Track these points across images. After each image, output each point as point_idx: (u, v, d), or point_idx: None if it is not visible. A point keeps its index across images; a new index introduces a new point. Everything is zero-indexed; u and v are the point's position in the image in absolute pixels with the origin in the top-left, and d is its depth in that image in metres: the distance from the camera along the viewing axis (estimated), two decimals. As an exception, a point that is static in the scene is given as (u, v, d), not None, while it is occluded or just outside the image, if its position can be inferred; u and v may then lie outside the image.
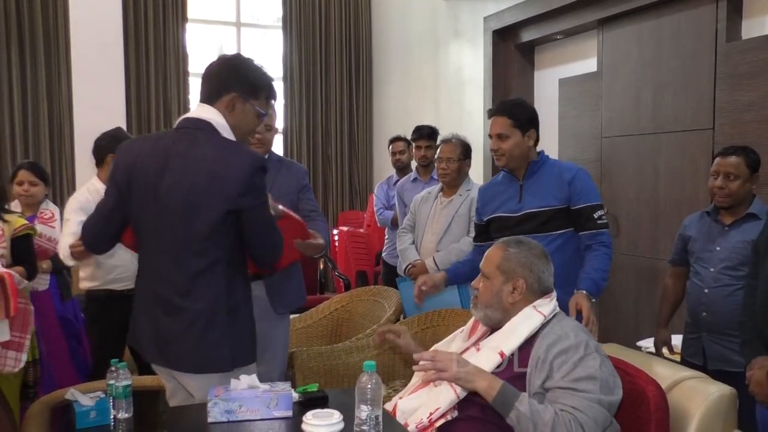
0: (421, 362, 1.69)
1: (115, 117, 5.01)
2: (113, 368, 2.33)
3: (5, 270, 2.59)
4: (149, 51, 6.88)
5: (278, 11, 7.67)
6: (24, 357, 2.68)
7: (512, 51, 5.18)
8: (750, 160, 2.68)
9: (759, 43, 3.39)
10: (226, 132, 1.89)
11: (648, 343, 3.19)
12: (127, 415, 2.29)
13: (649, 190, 4.04)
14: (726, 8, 3.56)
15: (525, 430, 1.58)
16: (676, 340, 3.03)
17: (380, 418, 1.52)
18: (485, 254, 1.88)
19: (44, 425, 2.37)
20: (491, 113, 2.61)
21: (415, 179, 4.23)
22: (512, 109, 2.54)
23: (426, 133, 4.16)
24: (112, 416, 2.28)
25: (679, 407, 1.76)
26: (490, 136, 2.60)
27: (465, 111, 5.71)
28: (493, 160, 3.00)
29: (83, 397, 2.49)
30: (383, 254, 4.39)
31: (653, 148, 4.00)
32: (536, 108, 5.10)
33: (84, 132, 4.95)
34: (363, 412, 1.50)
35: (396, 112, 7.23)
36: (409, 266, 3.41)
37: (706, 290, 2.72)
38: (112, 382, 2.35)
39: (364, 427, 1.50)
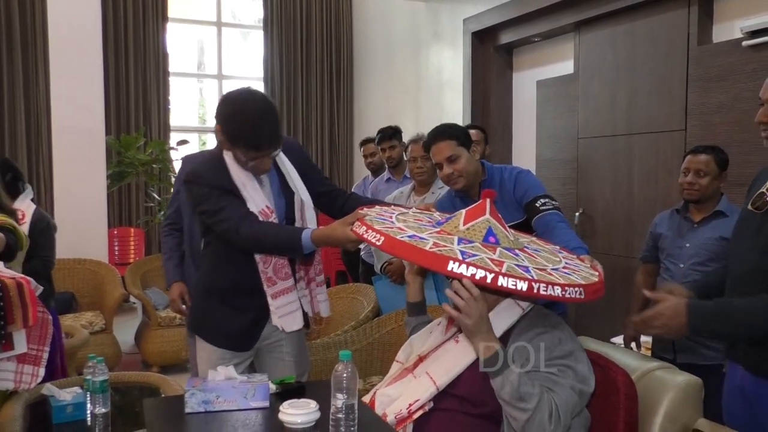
0: (453, 291, 1.60)
1: (94, 115, 4.97)
2: (90, 363, 2.33)
3: (21, 275, 2.37)
4: (129, 50, 6.85)
5: (259, 12, 7.68)
6: (42, 372, 2.43)
7: (491, 53, 5.24)
8: (719, 159, 2.76)
9: (729, 46, 3.48)
10: None
11: (618, 340, 3.24)
12: (104, 410, 2.28)
13: (624, 189, 4.11)
14: (698, 13, 3.65)
15: (507, 397, 1.57)
16: (647, 336, 3.09)
17: (356, 407, 1.54)
18: None
19: (20, 420, 2.35)
20: (428, 144, 2.49)
21: (388, 179, 4.25)
22: (449, 131, 2.46)
23: (388, 135, 4.17)
24: (88, 411, 2.29)
25: (648, 396, 1.80)
26: (438, 167, 2.48)
27: (445, 112, 5.75)
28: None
29: (60, 392, 2.49)
30: (361, 253, 4.41)
31: (627, 149, 4.08)
32: (514, 109, 5.24)
33: (62, 129, 4.91)
34: (339, 400, 1.52)
35: (377, 114, 7.26)
36: (386, 264, 3.42)
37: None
38: (89, 377, 2.35)
39: (340, 415, 1.52)
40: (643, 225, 3.93)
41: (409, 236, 1.67)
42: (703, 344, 2.73)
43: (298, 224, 2.17)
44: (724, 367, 2.54)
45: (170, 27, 7.17)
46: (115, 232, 6.63)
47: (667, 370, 1.87)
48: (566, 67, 4.61)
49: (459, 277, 1.53)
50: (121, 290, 4.56)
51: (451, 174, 2.44)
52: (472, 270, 1.52)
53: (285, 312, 2.13)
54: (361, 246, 4.36)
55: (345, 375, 1.52)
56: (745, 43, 3.34)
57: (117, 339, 4.54)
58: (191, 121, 8.04)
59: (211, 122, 8.38)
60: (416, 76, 6.26)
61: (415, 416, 1.74)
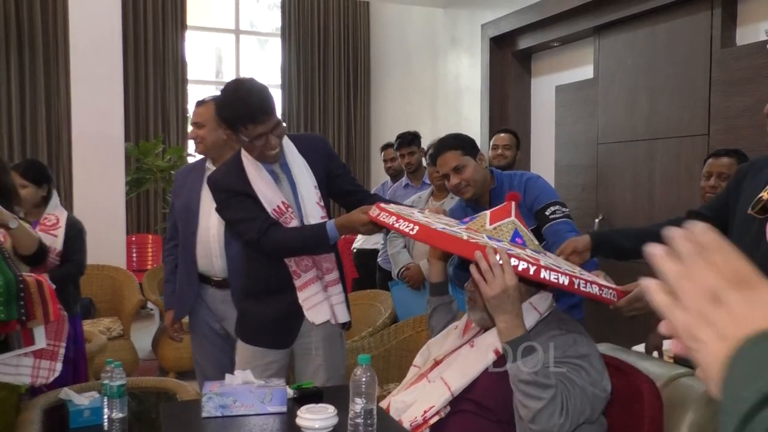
0: (482, 256, 1.53)
1: (113, 121, 5.02)
2: (108, 368, 2.34)
3: (37, 275, 2.44)
4: (148, 57, 6.93)
5: (277, 20, 7.72)
6: (59, 366, 2.50)
7: (509, 58, 5.21)
8: (741, 162, 2.72)
9: (753, 49, 3.42)
10: None
11: (640, 349, 3.19)
12: (121, 415, 2.30)
13: (645, 195, 4.05)
14: (721, 15, 3.59)
15: (524, 384, 1.52)
16: (669, 344, 3.03)
17: (374, 412, 1.52)
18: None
19: (37, 424, 2.35)
20: (434, 156, 2.51)
21: (407, 185, 4.24)
22: (453, 141, 2.49)
23: (407, 141, 4.17)
24: (106, 415, 2.29)
25: (673, 405, 1.75)
26: (446, 178, 2.50)
27: (463, 118, 5.73)
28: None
29: (77, 397, 2.49)
30: (379, 260, 4.39)
31: (649, 154, 4.02)
32: (533, 115, 5.20)
33: (82, 135, 4.97)
34: (357, 405, 1.50)
35: (394, 120, 7.26)
36: (403, 269, 3.41)
37: None
38: (106, 381, 2.36)
39: (358, 420, 1.50)
40: (665, 231, 3.88)
41: (440, 228, 1.66)
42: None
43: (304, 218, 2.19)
44: None
45: (189, 35, 7.23)
46: (133, 239, 6.67)
47: (693, 378, 1.83)
48: (585, 72, 4.57)
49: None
50: (139, 296, 4.57)
51: (458, 184, 2.45)
52: (514, 261, 1.50)
53: (311, 304, 2.17)
54: (380, 252, 4.35)
55: (364, 379, 1.51)
56: (769, 45, 3.28)
57: (134, 345, 4.55)
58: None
59: None
60: (433, 82, 6.25)
61: (431, 422, 1.71)
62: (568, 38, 4.68)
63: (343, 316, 2.23)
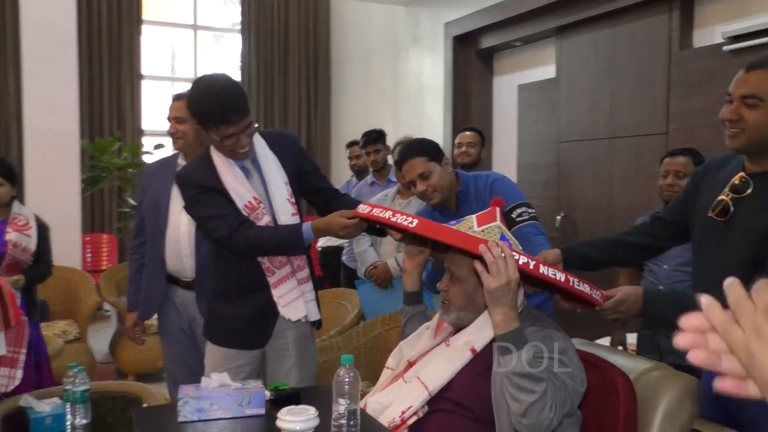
0: (487, 249, 1.52)
1: (68, 117, 4.87)
2: (70, 373, 2.27)
3: None
4: (102, 52, 6.73)
5: (234, 15, 7.61)
6: (19, 374, 2.44)
7: (472, 57, 5.26)
8: (696, 160, 2.81)
9: (710, 51, 3.53)
10: None
11: (605, 343, 3.26)
12: (84, 421, 2.23)
13: (605, 193, 4.14)
14: (679, 18, 3.70)
15: (517, 377, 1.52)
16: (632, 338, 3.11)
17: (358, 413, 1.51)
18: (453, 254, 1.87)
19: (-3, 433, 2.27)
20: (399, 163, 2.50)
21: (372, 183, 4.23)
22: (418, 147, 2.47)
23: (373, 138, 4.16)
24: (68, 422, 2.22)
25: (645, 397, 1.79)
26: (412, 184, 2.47)
27: (425, 116, 5.76)
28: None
29: (38, 403, 2.41)
30: (343, 258, 4.38)
31: (609, 153, 4.11)
32: (495, 113, 5.26)
33: (34, 131, 4.80)
34: (341, 405, 1.49)
35: (355, 118, 7.24)
36: (370, 267, 3.40)
37: (661, 287, 2.80)
38: (69, 387, 2.29)
39: (342, 421, 1.49)
40: (624, 228, 3.95)
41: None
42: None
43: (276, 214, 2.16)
44: None
45: (145, 29, 7.06)
46: (87, 238, 6.48)
47: (664, 371, 1.87)
48: (548, 71, 4.64)
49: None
50: (96, 298, 4.45)
51: (425, 190, 2.44)
52: (514, 255, 1.52)
53: (287, 300, 2.13)
54: (344, 250, 4.34)
55: (347, 380, 1.50)
56: (726, 47, 3.39)
57: (91, 348, 4.43)
58: (163, 125, 7.91)
59: None
60: (395, 80, 6.26)
61: (409, 422, 1.71)
62: (531, 38, 4.75)
63: (314, 314, 2.21)
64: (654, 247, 2.05)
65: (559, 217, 4.40)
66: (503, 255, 1.52)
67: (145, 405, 2.60)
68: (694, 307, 1.67)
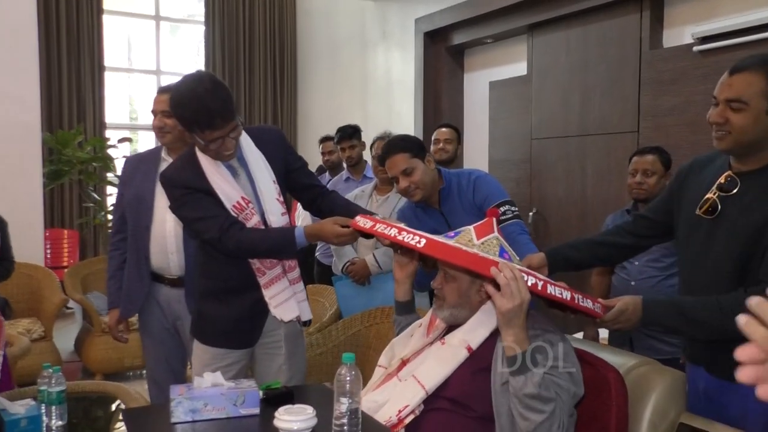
0: (499, 270, 1.52)
1: (29, 110, 4.71)
2: (45, 373, 2.20)
3: None
4: (61, 42, 6.54)
5: (198, 6, 7.47)
6: None
7: (443, 53, 5.26)
8: (664, 159, 2.88)
9: (679, 51, 3.60)
10: None
11: (578, 338, 3.31)
12: (61, 423, 2.17)
13: (577, 190, 4.20)
14: (649, 18, 3.76)
15: (528, 398, 1.52)
16: (604, 333, 3.16)
17: (359, 412, 1.50)
18: None
19: (-31, 437, 2.18)
20: (383, 158, 2.50)
21: (347, 179, 4.20)
22: (402, 144, 2.48)
23: (348, 134, 4.13)
24: (44, 424, 2.15)
25: (635, 392, 1.82)
26: (395, 180, 2.49)
27: (393, 112, 5.75)
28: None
29: (11, 405, 2.32)
30: (317, 254, 4.35)
31: (581, 150, 4.17)
32: (465, 110, 5.28)
33: (-5, 124, 4.63)
34: (342, 404, 1.47)
35: (322, 113, 7.19)
36: (348, 264, 3.37)
37: (632, 282, 2.86)
38: (44, 387, 2.22)
39: (344, 420, 1.47)
40: (596, 224, 4.03)
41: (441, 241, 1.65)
42: (659, 339, 2.82)
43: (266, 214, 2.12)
44: (681, 359, 2.65)
45: (105, 19, 6.88)
46: (47, 234, 6.29)
47: (651, 366, 1.90)
48: (519, 68, 4.67)
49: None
50: (62, 295, 4.33)
51: (408, 187, 2.44)
52: (518, 272, 1.53)
53: (279, 301, 2.10)
54: (318, 247, 4.30)
55: (348, 378, 1.48)
56: (696, 48, 3.47)
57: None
58: (123, 118, 7.73)
59: (142, 120, 8.09)
60: (363, 75, 6.23)
61: (406, 421, 1.70)
62: (502, 35, 4.78)
63: (306, 314, 2.19)
64: (636, 246, 2.08)
65: (531, 214, 4.45)
66: (515, 277, 1.52)
67: (121, 405, 2.54)
68: (692, 311, 1.70)
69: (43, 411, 2.17)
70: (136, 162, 2.68)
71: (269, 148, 2.14)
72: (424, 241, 1.61)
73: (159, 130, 2.55)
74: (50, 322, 4.26)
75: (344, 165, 4.27)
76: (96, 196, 5.80)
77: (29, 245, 4.67)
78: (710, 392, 1.83)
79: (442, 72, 5.28)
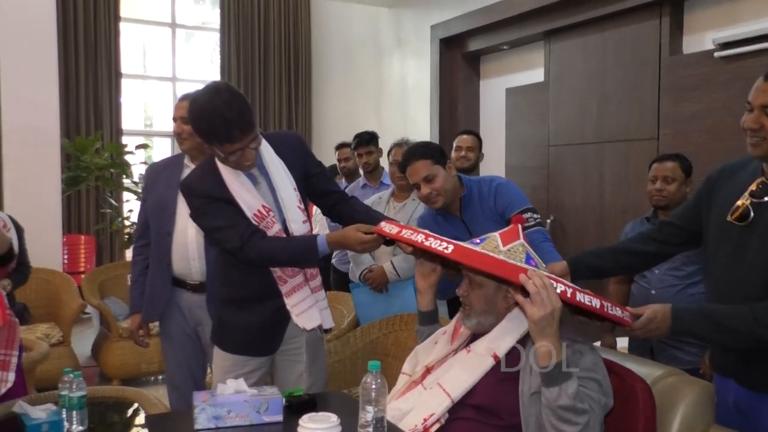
0: (528, 278, 1.50)
1: (48, 115, 4.74)
2: (66, 378, 2.20)
3: None
4: (79, 49, 6.59)
5: (215, 14, 7.51)
6: (11, 377, 2.35)
7: (459, 60, 5.25)
8: (684, 165, 2.84)
9: (700, 57, 3.57)
10: None
11: (599, 345, 3.27)
12: (81, 428, 2.18)
13: (595, 197, 4.16)
14: (669, 24, 3.73)
15: (561, 409, 1.50)
16: (623, 342, 3.12)
17: (385, 421, 1.48)
18: None
19: (-10, 442, 2.19)
20: (404, 165, 2.47)
21: (364, 185, 4.19)
22: (423, 150, 2.47)
23: (365, 140, 4.12)
24: (65, 429, 2.16)
25: (662, 403, 1.79)
26: (416, 187, 2.47)
27: (409, 118, 5.74)
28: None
29: (33, 410, 2.32)
30: (333, 260, 4.33)
31: (599, 157, 4.13)
32: (482, 117, 5.26)
33: (13, 129, 4.66)
34: (368, 413, 1.45)
35: (337, 119, 7.19)
36: (365, 271, 3.36)
37: (653, 291, 2.82)
38: (65, 392, 2.23)
39: (369, 429, 1.45)
40: (614, 232, 3.99)
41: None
42: (679, 348, 2.78)
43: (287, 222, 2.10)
44: (701, 369, 2.61)
45: (123, 27, 6.93)
46: (65, 240, 6.33)
47: (679, 377, 1.87)
48: (536, 75, 4.65)
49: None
50: (80, 300, 4.34)
51: (429, 194, 2.43)
52: (548, 280, 1.51)
53: (301, 309, 2.08)
54: (334, 253, 4.29)
55: (374, 386, 1.46)
56: (717, 54, 3.43)
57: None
58: (138, 125, 7.78)
59: (157, 126, 8.10)
60: (378, 81, 6.22)
61: (432, 430, 1.68)
62: (518, 42, 4.76)
63: (328, 322, 2.17)
64: (660, 253, 2.05)
65: (548, 221, 4.41)
66: (544, 284, 1.49)
67: (139, 411, 2.53)
68: (724, 319, 1.67)
69: (64, 416, 2.18)
70: (159, 169, 2.69)
71: (289, 154, 2.12)
72: (451, 247, 1.59)
73: (178, 136, 2.56)
74: (68, 328, 4.27)
75: (360, 172, 4.26)
76: (113, 202, 5.83)
77: (47, 251, 4.70)
78: (741, 404, 1.80)
79: (458, 78, 5.27)
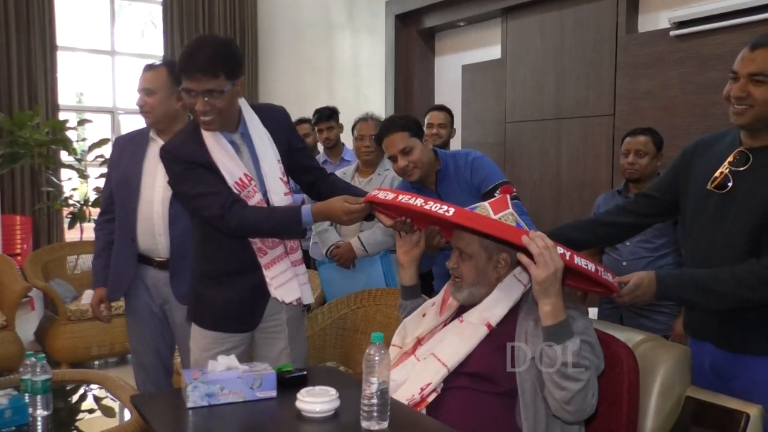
0: (531, 239, 1.50)
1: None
2: (28, 361, 2.12)
3: None
4: (9, 20, 6.23)
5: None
6: None
7: (414, 36, 5.23)
8: (656, 140, 2.93)
9: (655, 36, 3.67)
10: None
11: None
12: (46, 412, 2.12)
13: (552, 172, 4.25)
14: (625, 3, 3.82)
15: (565, 367, 1.52)
16: (592, 312, 3.21)
17: (388, 392, 1.47)
18: (460, 233, 1.85)
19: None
20: (380, 137, 2.48)
21: (325, 161, 4.14)
22: (401, 122, 2.47)
23: (326, 115, 4.08)
24: (30, 414, 2.08)
25: (643, 367, 1.85)
26: (392, 159, 2.48)
27: (362, 95, 5.70)
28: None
29: (-6, 396, 2.22)
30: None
31: (556, 133, 4.21)
32: (436, 93, 5.27)
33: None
34: (372, 385, 1.44)
35: (286, 98, 7.04)
36: (332, 248, 3.33)
37: (624, 263, 2.90)
38: (27, 377, 2.15)
39: (373, 401, 1.44)
40: (570, 207, 4.09)
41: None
42: (647, 317, 2.88)
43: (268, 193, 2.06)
44: (670, 337, 2.72)
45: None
46: (-1, 221, 6.02)
47: (657, 342, 1.93)
48: (492, 52, 4.69)
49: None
50: (23, 283, 4.15)
51: (406, 166, 2.44)
52: (550, 241, 1.52)
53: (281, 282, 2.04)
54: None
55: (377, 358, 1.45)
56: (672, 33, 3.53)
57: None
58: (72, 100, 7.42)
59: (94, 101, 7.67)
60: (330, 59, 6.14)
61: (429, 399, 1.69)
62: (475, 18, 4.78)
63: (308, 297, 2.14)
64: (637, 224, 2.11)
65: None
66: (546, 245, 1.51)
67: (102, 393, 2.45)
68: (707, 282, 1.73)
69: (27, 400, 2.10)
70: (124, 142, 2.58)
71: (275, 125, 2.08)
72: (452, 210, 1.59)
73: (140, 108, 2.46)
74: (12, 312, 4.08)
75: (319, 148, 4.20)
76: (56, 180, 5.57)
77: (-15, 232, 4.47)
78: (717, 366, 1.87)
79: (413, 55, 5.26)
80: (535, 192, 4.37)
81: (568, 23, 4.13)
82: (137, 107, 2.46)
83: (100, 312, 2.63)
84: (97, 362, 4.49)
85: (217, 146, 1.97)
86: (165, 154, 2.02)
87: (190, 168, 1.96)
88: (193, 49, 1.89)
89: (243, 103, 2.05)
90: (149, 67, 2.47)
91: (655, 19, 3.78)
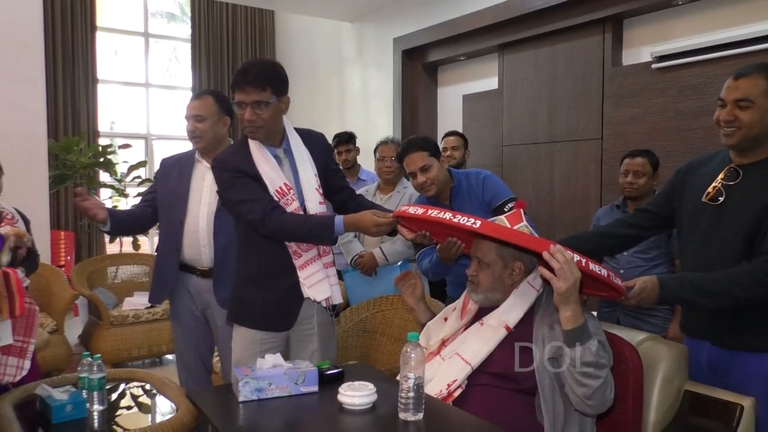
0: (552, 254, 1.50)
1: (36, 119, 4.51)
2: (85, 361, 2.11)
3: (7, 267, 2.15)
4: (57, 55, 6.29)
5: (186, 29, 7.29)
6: (27, 365, 2.22)
7: (418, 69, 5.26)
8: (652, 161, 2.93)
9: (638, 69, 3.69)
10: None
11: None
12: (102, 407, 2.11)
13: (546, 190, 4.25)
14: (611, 39, 3.84)
15: (585, 366, 1.51)
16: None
17: (422, 387, 1.47)
18: (479, 243, 1.86)
19: (15, 422, 2.05)
20: (402, 155, 2.51)
21: (343, 180, 4.15)
22: (422, 143, 2.50)
23: (345, 139, 4.11)
24: (88, 409, 2.07)
25: (645, 363, 1.84)
26: (412, 176, 2.49)
27: (371, 122, 5.72)
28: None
29: (56, 392, 2.21)
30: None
31: (549, 156, 4.22)
32: (440, 120, 5.29)
33: (1, 133, 4.39)
34: (409, 380, 1.44)
35: (302, 123, 6.96)
36: (356, 257, 3.34)
37: (621, 271, 2.90)
38: (84, 375, 2.14)
39: (410, 394, 1.44)
40: (563, 220, 4.09)
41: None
42: (642, 320, 2.87)
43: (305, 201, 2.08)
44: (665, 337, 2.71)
45: (98, 36, 6.64)
46: (46, 235, 6.01)
47: (657, 341, 1.93)
48: (490, 83, 4.71)
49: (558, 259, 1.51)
50: (71, 291, 4.14)
51: (424, 182, 2.47)
52: (569, 254, 1.52)
53: (313, 282, 2.04)
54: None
55: (413, 355, 1.45)
56: (654, 65, 3.55)
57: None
58: (106, 127, 7.46)
59: (118, 128, 7.70)
60: (341, 89, 6.17)
61: (455, 395, 1.68)
62: (474, 53, 4.80)
63: (337, 297, 2.13)
64: (638, 236, 2.12)
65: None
66: (566, 260, 1.51)
67: (152, 390, 2.43)
68: (705, 284, 1.73)
69: (85, 396, 2.09)
70: (172, 163, 2.59)
71: (314, 146, 2.13)
72: (479, 222, 1.60)
73: (190, 134, 2.46)
74: (61, 317, 4.07)
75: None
76: (97, 198, 5.58)
77: (37, 245, 4.45)
78: (713, 362, 1.87)
79: (418, 86, 5.28)
80: (530, 208, 4.35)
81: (560, 57, 4.15)
82: (171, 133, 2.47)
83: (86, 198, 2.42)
84: (136, 363, 4.46)
85: (262, 158, 2.00)
86: (216, 164, 2.06)
87: (237, 176, 1.99)
88: (245, 67, 1.96)
89: (287, 124, 2.09)
90: (198, 96, 2.48)
91: (638, 54, 3.81)
